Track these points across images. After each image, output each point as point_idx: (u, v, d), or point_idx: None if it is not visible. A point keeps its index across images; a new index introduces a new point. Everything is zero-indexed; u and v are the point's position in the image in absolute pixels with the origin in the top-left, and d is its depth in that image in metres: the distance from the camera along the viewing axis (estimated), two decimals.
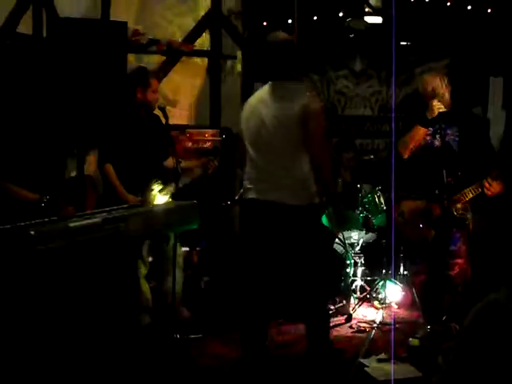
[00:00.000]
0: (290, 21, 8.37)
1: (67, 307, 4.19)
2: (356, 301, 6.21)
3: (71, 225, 3.88)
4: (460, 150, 5.01)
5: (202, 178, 5.49)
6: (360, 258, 6.46)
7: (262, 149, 4.21)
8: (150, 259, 5.34)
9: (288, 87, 4.23)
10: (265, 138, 4.17)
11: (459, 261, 5.04)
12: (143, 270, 5.18)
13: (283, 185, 4.13)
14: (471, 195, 4.89)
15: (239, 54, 8.14)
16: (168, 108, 5.36)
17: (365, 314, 6.09)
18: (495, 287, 2.57)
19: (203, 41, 7.99)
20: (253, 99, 4.38)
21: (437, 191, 4.85)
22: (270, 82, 4.31)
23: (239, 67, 8.17)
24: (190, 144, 7.15)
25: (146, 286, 5.23)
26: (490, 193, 4.80)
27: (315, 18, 8.36)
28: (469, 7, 7.92)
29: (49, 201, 4.15)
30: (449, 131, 5.00)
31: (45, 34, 6.64)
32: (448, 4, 8.00)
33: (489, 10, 7.83)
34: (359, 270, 6.43)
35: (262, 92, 4.33)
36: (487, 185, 4.77)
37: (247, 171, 4.31)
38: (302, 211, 4.15)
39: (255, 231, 4.28)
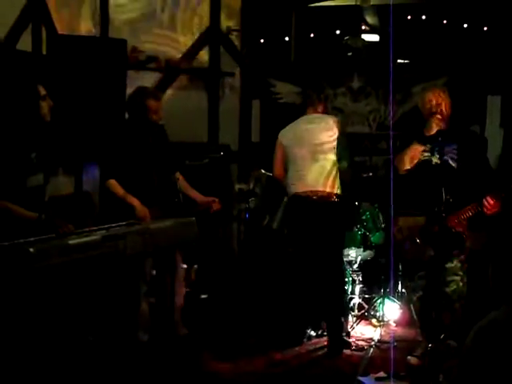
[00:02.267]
0: (287, 38, 8.43)
1: (66, 324, 4.18)
2: (354, 319, 6.20)
3: (70, 242, 3.86)
4: (458, 167, 5.01)
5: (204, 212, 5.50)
6: (358, 275, 6.44)
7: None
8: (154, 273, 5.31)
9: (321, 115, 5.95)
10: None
11: (455, 278, 5.03)
12: (143, 288, 5.16)
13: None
14: (470, 213, 4.90)
15: (237, 71, 8.17)
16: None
17: (363, 331, 6.07)
18: (495, 305, 2.57)
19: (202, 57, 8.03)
20: (299, 126, 5.91)
21: (436, 208, 4.85)
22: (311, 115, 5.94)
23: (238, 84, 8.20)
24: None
25: (145, 304, 5.21)
26: (489, 212, 4.81)
27: (312, 35, 8.40)
28: (465, 25, 7.96)
29: (47, 219, 4.12)
30: (447, 149, 5.00)
31: (44, 52, 6.65)
32: (444, 22, 8.04)
33: (485, 28, 7.87)
34: (357, 288, 6.42)
35: (305, 120, 5.92)
36: (486, 203, 4.78)
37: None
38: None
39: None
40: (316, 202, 5.67)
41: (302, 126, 5.89)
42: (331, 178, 5.71)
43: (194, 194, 5.45)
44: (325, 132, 5.75)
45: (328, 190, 5.69)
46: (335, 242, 5.77)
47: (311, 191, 5.69)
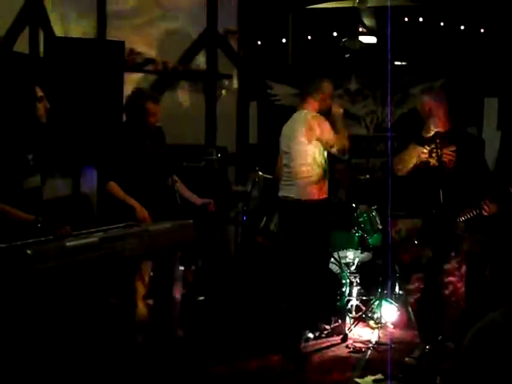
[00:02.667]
0: (284, 40, 8.43)
1: (63, 326, 4.17)
2: (351, 320, 6.19)
3: (68, 244, 3.87)
4: (456, 169, 5.02)
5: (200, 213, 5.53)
6: (355, 277, 6.44)
7: None
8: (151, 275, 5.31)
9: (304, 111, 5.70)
10: None
11: (453, 279, 5.04)
12: (141, 290, 5.15)
13: None
14: (468, 216, 4.90)
15: (235, 73, 8.18)
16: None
17: (360, 333, 6.07)
18: (493, 306, 2.57)
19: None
20: (286, 126, 5.81)
21: (434, 210, 4.86)
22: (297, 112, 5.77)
23: (235, 86, 8.21)
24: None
25: (143, 306, 5.20)
26: (487, 214, 4.81)
27: (309, 37, 8.40)
28: (462, 27, 7.96)
29: (45, 221, 4.12)
30: (444, 151, 5.01)
31: (42, 54, 6.64)
32: (441, 24, 8.05)
33: (482, 30, 7.88)
34: (355, 290, 6.41)
35: (291, 119, 5.79)
36: (485, 206, 4.78)
37: None
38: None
39: None
40: (303, 206, 5.58)
41: (289, 125, 5.78)
42: (319, 182, 5.61)
43: (190, 195, 5.46)
44: (307, 131, 5.57)
45: (314, 195, 5.58)
46: (318, 246, 5.70)
47: (296, 195, 5.61)
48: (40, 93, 4.35)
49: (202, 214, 5.39)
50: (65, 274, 3.75)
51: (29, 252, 3.59)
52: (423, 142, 5.09)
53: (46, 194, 4.68)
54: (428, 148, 5.09)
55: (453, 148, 5.03)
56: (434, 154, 5.02)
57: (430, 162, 5.11)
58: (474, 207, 4.85)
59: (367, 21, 8.37)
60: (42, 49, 6.74)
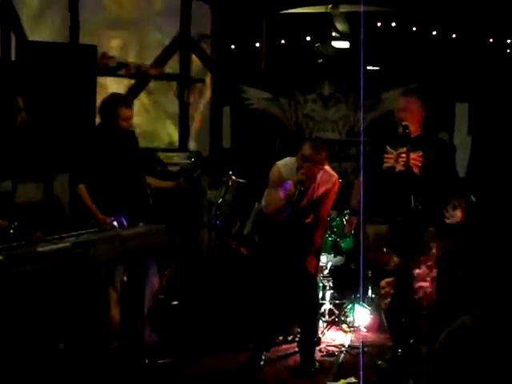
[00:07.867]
0: (257, 44, 8.44)
1: (35, 332, 4.14)
2: (324, 324, 6.22)
3: (40, 249, 3.84)
4: (422, 175, 4.98)
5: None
6: (328, 281, 6.46)
7: None
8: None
9: None
10: None
11: (424, 284, 5.06)
12: (114, 295, 5.13)
13: None
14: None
15: (208, 77, 8.18)
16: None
17: (333, 337, 6.10)
18: (465, 310, 2.60)
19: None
20: None
21: (399, 216, 4.86)
22: None
23: (208, 91, 8.20)
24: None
25: (116, 311, 5.17)
26: (449, 221, 4.80)
27: (283, 41, 8.43)
28: (434, 33, 8.02)
29: (17, 227, 4.10)
30: (412, 156, 4.95)
31: (13, 58, 6.60)
32: (414, 29, 8.10)
33: (454, 36, 7.95)
34: (328, 294, 6.44)
35: None
36: (447, 214, 4.77)
37: None
38: None
39: None
40: None
41: None
42: None
43: (161, 183, 5.66)
44: None
45: None
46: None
47: None
48: (21, 104, 4.36)
49: (177, 194, 5.73)
50: (36, 279, 3.72)
51: (0, 258, 3.57)
52: (396, 143, 5.06)
53: (18, 198, 4.65)
54: (395, 153, 5.07)
55: (419, 153, 5.02)
56: (400, 159, 5.00)
57: (395, 168, 5.08)
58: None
59: (340, 26, 8.41)
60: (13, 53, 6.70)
